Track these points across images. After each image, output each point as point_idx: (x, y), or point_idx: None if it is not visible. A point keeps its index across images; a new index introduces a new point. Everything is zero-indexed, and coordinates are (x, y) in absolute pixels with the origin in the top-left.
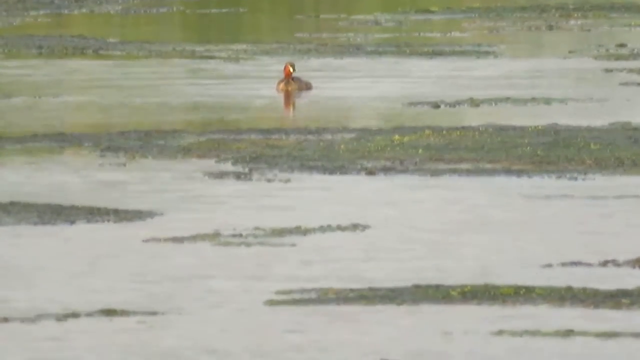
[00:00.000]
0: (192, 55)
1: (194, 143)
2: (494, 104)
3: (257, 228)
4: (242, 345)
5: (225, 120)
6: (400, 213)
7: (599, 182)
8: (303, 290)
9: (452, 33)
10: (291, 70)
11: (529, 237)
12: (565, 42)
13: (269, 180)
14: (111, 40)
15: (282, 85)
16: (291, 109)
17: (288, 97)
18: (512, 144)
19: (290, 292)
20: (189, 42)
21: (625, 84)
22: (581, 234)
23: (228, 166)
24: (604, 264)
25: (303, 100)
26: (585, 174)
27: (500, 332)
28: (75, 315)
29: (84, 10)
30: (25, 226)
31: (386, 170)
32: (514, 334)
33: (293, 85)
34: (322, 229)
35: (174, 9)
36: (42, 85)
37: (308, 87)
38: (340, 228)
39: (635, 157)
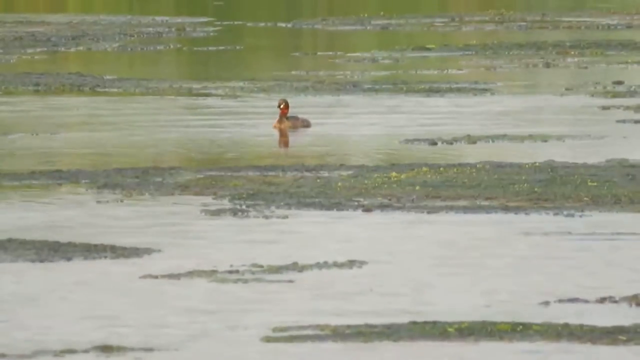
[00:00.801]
0: (189, 92)
1: (191, 180)
2: (491, 141)
3: (254, 265)
4: None
5: (222, 157)
6: (396, 250)
7: (596, 219)
8: (300, 327)
9: (449, 70)
10: (281, 108)
11: (526, 274)
12: (562, 80)
13: (266, 217)
14: (108, 77)
15: (276, 123)
16: (284, 147)
17: (282, 135)
18: (509, 181)
19: (287, 328)
20: (185, 79)
21: (622, 121)
22: (578, 270)
23: (225, 203)
24: (601, 300)
25: (300, 137)
26: (582, 211)
27: None
28: (72, 351)
29: (80, 48)
30: (23, 263)
31: (383, 207)
32: None
33: (287, 123)
34: (319, 265)
35: (171, 46)
36: (39, 122)
37: (305, 124)
38: (336, 265)
39: (632, 194)
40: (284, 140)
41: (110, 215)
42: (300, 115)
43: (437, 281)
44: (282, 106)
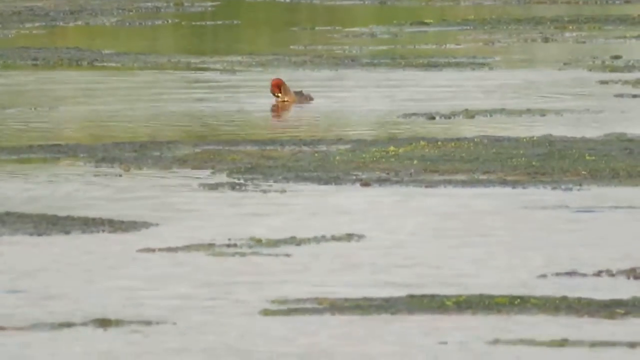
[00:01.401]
0: (187, 66)
1: (189, 154)
2: (488, 116)
3: (251, 238)
4: (236, 355)
5: (220, 131)
6: (395, 223)
7: (594, 193)
8: (298, 300)
9: (447, 45)
10: (276, 90)
11: (523, 248)
12: (560, 54)
13: (264, 191)
14: (106, 52)
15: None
16: (282, 121)
17: (281, 110)
18: (507, 155)
19: (285, 301)
20: (184, 54)
21: (620, 95)
22: (576, 244)
23: (223, 177)
24: (598, 274)
25: (298, 112)
26: (580, 185)
27: (495, 342)
28: (69, 324)
29: (79, 22)
30: (21, 236)
31: (381, 181)
32: (509, 343)
33: (288, 97)
34: (317, 239)
35: (169, 21)
36: (37, 96)
37: (307, 99)
38: (334, 238)
39: (630, 168)
40: (283, 115)
41: (108, 189)
42: (303, 90)
43: (435, 255)
44: (278, 93)
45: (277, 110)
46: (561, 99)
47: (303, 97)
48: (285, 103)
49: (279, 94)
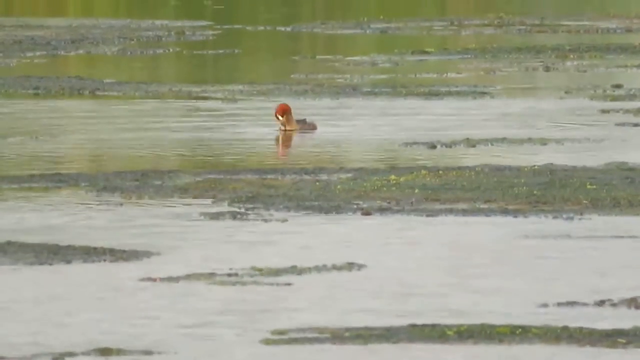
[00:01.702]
0: (189, 95)
1: (191, 183)
2: (490, 144)
3: (252, 268)
4: None
5: (222, 160)
6: (396, 253)
7: (596, 222)
8: (299, 330)
9: (448, 74)
10: (279, 114)
11: (525, 277)
12: (561, 83)
13: (265, 220)
14: (108, 81)
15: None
16: (283, 150)
17: (283, 139)
18: (508, 184)
19: (286, 331)
20: (185, 82)
21: (622, 124)
22: (577, 273)
23: (224, 206)
24: (600, 303)
25: (299, 140)
26: (581, 214)
27: None
28: (71, 354)
29: (80, 51)
30: (22, 266)
31: (382, 210)
32: None
33: (290, 126)
34: (318, 268)
35: (171, 50)
36: (38, 125)
37: (310, 128)
38: (335, 268)
39: (632, 197)
40: (285, 143)
41: (109, 218)
42: (307, 119)
43: (436, 284)
44: (280, 117)
45: (280, 138)
46: (562, 128)
47: (306, 126)
48: (287, 132)
49: (281, 118)
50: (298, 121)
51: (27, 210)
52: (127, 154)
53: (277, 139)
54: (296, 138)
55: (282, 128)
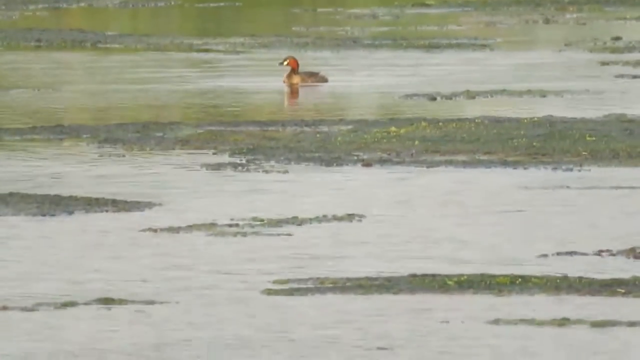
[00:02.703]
0: (190, 48)
1: (192, 135)
2: (490, 97)
3: (253, 218)
4: (240, 334)
5: (223, 112)
6: (396, 204)
7: (594, 173)
8: (300, 280)
9: (449, 26)
10: (287, 63)
11: (524, 228)
12: (560, 36)
13: (266, 172)
14: (109, 33)
15: (285, 77)
16: (292, 101)
17: (292, 90)
18: (508, 136)
19: (287, 281)
20: (186, 35)
21: (621, 76)
22: (576, 224)
23: (225, 158)
24: (599, 253)
25: (302, 92)
26: (580, 165)
27: (496, 321)
28: (73, 303)
29: (82, 4)
30: (24, 217)
31: (382, 161)
32: (510, 323)
33: (299, 77)
34: (318, 219)
35: (172, 2)
36: (40, 78)
37: (322, 80)
38: (336, 218)
39: (630, 149)
40: (293, 95)
41: (111, 170)
42: (317, 71)
43: (436, 235)
44: (287, 62)
45: (288, 90)
46: (562, 80)
47: (319, 78)
48: (293, 85)
49: (294, 75)
50: (311, 73)
51: (29, 161)
52: (129, 106)
53: (288, 89)
54: (300, 90)
55: (286, 81)
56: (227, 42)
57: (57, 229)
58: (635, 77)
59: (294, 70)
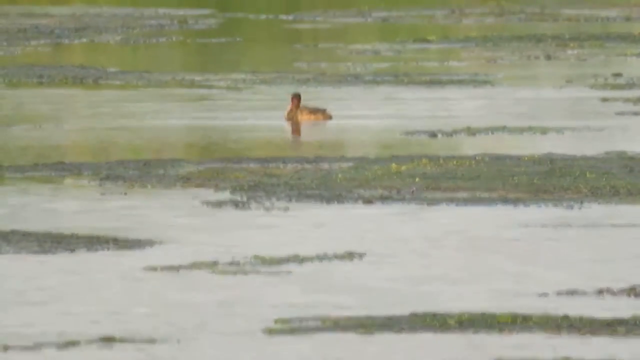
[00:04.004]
0: (192, 84)
1: (193, 172)
2: (490, 133)
3: (254, 256)
4: None
5: (224, 149)
6: (397, 241)
7: (595, 210)
8: (301, 319)
9: (450, 62)
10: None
11: (525, 266)
12: (561, 72)
13: (266, 209)
14: (111, 69)
15: (290, 113)
16: (293, 137)
17: (296, 126)
18: (508, 173)
19: (288, 320)
20: (188, 71)
21: (621, 113)
22: (577, 262)
23: (226, 195)
24: (600, 292)
25: (305, 129)
26: (581, 202)
27: None
28: (75, 343)
29: (84, 40)
30: (26, 254)
31: (383, 199)
32: None
33: (305, 114)
34: (319, 257)
35: (173, 38)
36: (42, 114)
37: (327, 117)
38: (337, 256)
39: (631, 186)
40: (294, 131)
41: (112, 207)
42: (323, 108)
43: (437, 273)
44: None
45: (289, 126)
46: (563, 117)
47: (324, 115)
48: (297, 120)
49: (293, 108)
50: (316, 109)
51: (31, 198)
52: (130, 143)
53: (289, 125)
54: (301, 126)
55: (286, 117)
56: (228, 78)
57: (58, 267)
58: (636, 114)
59: (297, 107)
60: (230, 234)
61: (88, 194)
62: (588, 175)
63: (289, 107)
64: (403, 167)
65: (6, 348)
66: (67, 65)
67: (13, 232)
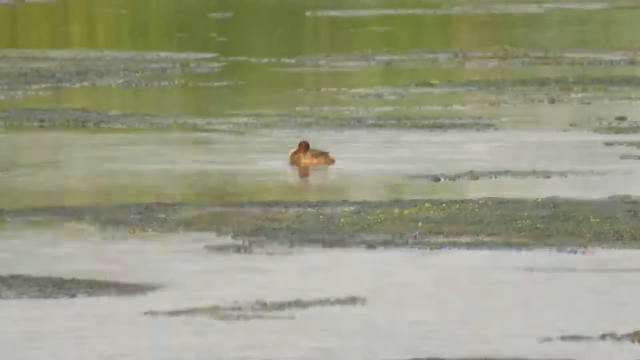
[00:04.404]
0: (194, 128)
1: (195, 216)
2: (494, 177)
3: (256, 302)
4: None
5: (226, 193)
6: (399, 287)
7: (599, 255)
8: None
9: (453, 106)
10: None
11: (528, 311)
12: (565, 116)
13: (269, 254)
14: (113, 113)
15: (294, 157)
16: (299, 180)
17: (302, 170)
18: (512, 218)
19: None
20: (190, 115)
21: (625, 157)
22: (581, 308)
23: (228, 240)
24: (604, 338)
25: (309, 173)
26: (585, 247)
27: None
28: None
29: (85, 84)
30: (27, 300)
31: (386, 244)
32: None
33: (310, 158)
34: (322, 302)
35: (175, 82)
36: (43, 158)
37: (331, 162)
38: (339, 302)
39: (635, 231)
40: (300, 175)
41: (114, 252)
42: (327, 151)
43: (440, 318)
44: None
45: (293, 169)
46: (566, 161)
47: (327, 159)
48: (304, 165)
49: (302, 155)
50: (320, 153)
51: (31, 243)
52: (132, 187)
53: (289, 169)
54: (304, 170)
55: (290, 160)
56: (230, 122)
57: (58, 313)
58: None
59: (302, 151)
60: (232, 279)
61: (89, 239)
62: (592, 219)
63: (294, 150)
64: (406, 212)
65: None
66: (69, 109)
67: (14, 277)
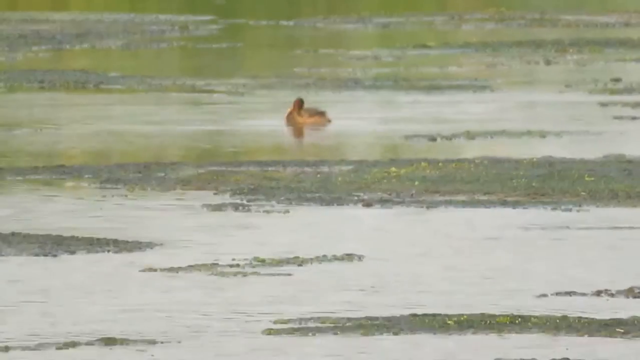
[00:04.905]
0: (192, 89)
1: (193, 175)
2: (489, 137)
3: (254, 258)
4: None
5: (224, 152)
6: (396, 244)
7: (593, 214)
8: (301, 320)
9: (449, 68)
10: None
11: (524, 267)
12: (560, 77)
13: (266, 212)
14: (112, 74)
15: (289, 116)
16: (295, 140)
17: (298, 130)
18: (507, 176)
19: (287, 321)
20: (189, 76)
21: (620, 117)
22: (575, 264)
23: (226, 198)
24: (598, 293)
25: (302, 133)
26: (579, 205)
27: None
28: (75, 344)
29: (85, 45)
30: (26, 257)
31: (383, 202)
32: None
33: (306, 117)
34: (319, 259)
35: (174, 43)
36: (43, 118)
37: (327, 121)
38: (336, 258)
39: (629, 189)
40: (293, 135)
41: (112, 210)
42: (323, 110)
43: (437, 274)
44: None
45: (289, 129)
46: (561, 121)
47: (323, 119)
48: (297, 123)
49: (293, 111)
50: (315, 111)
51: (31, 201)
52: (130, 146)
53: (286, 129)
54: (300, 130)
55: (286, 120)
56: (229, 82)
57: (58, 269)
58: (634, 118)
59: (297, 110)
60: (230, 237)
61: (88, 197)
62: (586, 178)
63: (289, 109)
64: (402, 171)
65: (7, 349)
66: (69, 71)
67: (14, 234)
